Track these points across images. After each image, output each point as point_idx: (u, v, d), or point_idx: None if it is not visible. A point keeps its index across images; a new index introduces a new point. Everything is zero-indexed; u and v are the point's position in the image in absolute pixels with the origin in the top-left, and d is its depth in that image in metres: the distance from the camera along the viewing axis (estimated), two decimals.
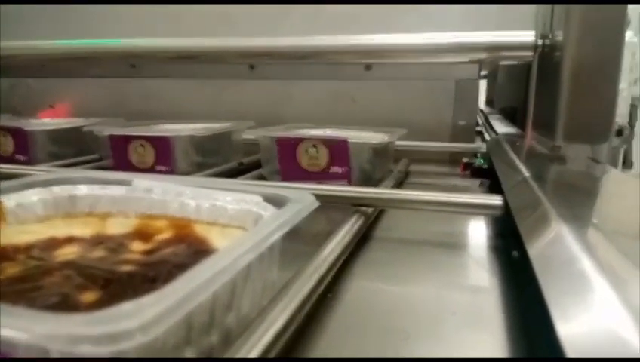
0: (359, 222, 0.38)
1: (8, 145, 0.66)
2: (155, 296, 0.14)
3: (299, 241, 0.36)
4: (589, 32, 0.51)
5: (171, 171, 0.57)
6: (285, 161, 0.54)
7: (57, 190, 0.28)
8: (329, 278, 0.28)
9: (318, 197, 0.26)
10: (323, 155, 0.53)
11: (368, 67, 0.83)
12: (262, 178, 0.57)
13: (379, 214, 0.46)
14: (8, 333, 0.12)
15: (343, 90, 0.85)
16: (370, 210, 0.41)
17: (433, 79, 0.81)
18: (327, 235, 0.33)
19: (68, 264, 0.22)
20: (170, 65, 0.91)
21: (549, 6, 0.59)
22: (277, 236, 0.21)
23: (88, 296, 0.19)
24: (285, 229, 0.22)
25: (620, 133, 1.11)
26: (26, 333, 0.12)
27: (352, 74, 0.84)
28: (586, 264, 0.20)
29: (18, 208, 0.27)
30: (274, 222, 0.22)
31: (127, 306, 0.13)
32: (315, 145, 0.53)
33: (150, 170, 0.57)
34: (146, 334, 0.13)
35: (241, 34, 0.74)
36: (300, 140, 0.53)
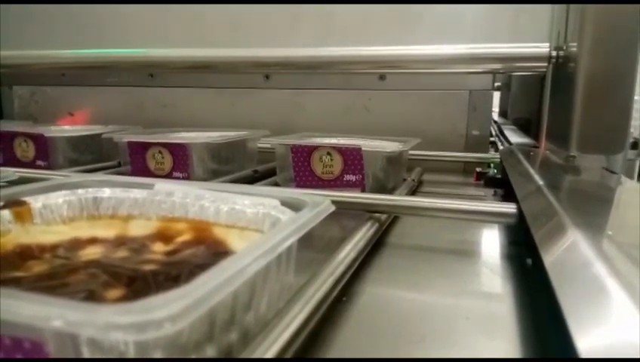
0: (373, 228, 0.38)
1: (29, 150, 0.67)
2: (181, 291, 0.15)
3: (313, 248, 0.37)
4: (604, 44, 0.51)
5: (188, 178, 0.58)
6: (300, 169, 0.55)
7: (82, 192, 0.29)
8: (344, 282, 0.29)
9: (333, 203, 0.27)
10: (337, 163, 0.53)
11: (382, 77, 0.84)
12: (276, 185, 0.57)
13: (392, 221, 0.46)
14: (40, 320, 0.13)
15: (357, 100, 0.86)
16: (384, 216, 0.42)
17: (447, 89, 0.82)
18: (341, 242, 0.33)
19: (93, 263, 0.23)
20: (187, 75, 0.93)
21: (563, 18, 0.59)
22: (295, 238, 0.22)
23: (114, 293, 0.19)
24: (303, 232, 0.23)
25: (635, 145, 1.09)
26: (59, 320, 0.13)
27: (367, 84, 0.85)
28: (602, 271, 0.20)
29: (44, 209, 0.28)
30: (292, 225, 0.22)
31: (155, 299, 0.14)
32: (329, 153, 0.54)
33: (167, 176, 0.58)
34: (174, 324, 0.13)
35: (254, 44, 0.75)
36: (314, 148, 0.54)
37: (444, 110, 0.82)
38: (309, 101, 0.88)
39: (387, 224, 0.43)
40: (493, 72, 0.80)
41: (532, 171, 0.46)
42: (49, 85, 1.04)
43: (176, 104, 0.96)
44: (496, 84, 1.51)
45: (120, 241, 0.26)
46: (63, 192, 0.29)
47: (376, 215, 0.41)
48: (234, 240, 0.26)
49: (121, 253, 0.24)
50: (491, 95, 0.84)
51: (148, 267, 0.22)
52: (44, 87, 1.05)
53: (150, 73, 0.95)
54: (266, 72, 0.88)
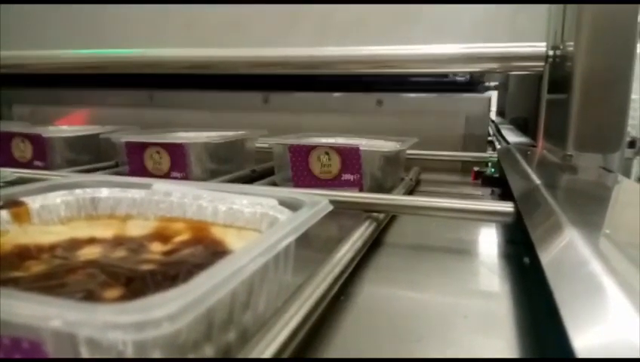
0: (371, 228, 0.38)
1: (27, 151, 0.67)
2: (179, 291, 0.15)
3: (311, 247, 0.37)
4: (600, 43, 0.51)
5: (186, 177, 0.58)
6: (298, 168, 0.55)
7: (80, 192, 0.29)
8: (342, 281, 0.29)
9: (331, 202, 0.27)
10: (335, 163, 0.54)
11: (380, 102, 0.86)
12: (274, 185, 0.57)
13: (390, 220, 0.46)
14: (39, 320, 0.13)
15: (355, 124, 0.86)
16: (381, 216, 0.42)
17: (443, 113, 0.82)
18: (339, 241, 0.33)
19: (91, 263, 0.23)
20: (186, 95, 0.93)
21: (560, 17, 0.59)
22: (292, 238, 0.22)
23: (112, 293, 0.19)
24: (300, 231, 0.23)
25: (632, 144, 1.10)
26: (57, 320, 0.13)
27: (364, 109, 0.86)
28: (599, 270, 0.20)
29: (42, 210, 0.28)
30: (290, 225, 0.22)
31: (153, 298, 0.14)
32: (327, 153, 0.54)
33: (165, 176, 0.58)
34: (172, 324, 0.13)
35: (252, 45, 0.75)
36: (312, 147, 0.54)
37: (440, 136, 0.82)
38: (307, 124, 0.88)
39: (385, 223, 0.44)
40: (491, 72, 0.80)
41: (529, 170, 0.46)
42: (48, 105, 1.04)
43: (174, 125, 0.96)
44: (493, 84, 1.51)
45: (118, 241, 0.26)
46: (61, 192, 0.29)
47: (374, 214, 0.41)
48: (232, 239, 0.26)
49: (120, 253, 0.24)
50: (487, 120, 0.85)
51: (146, 267, 0.22)
52: (43, 106, 1.05)
53: (149, 95, 0.96)
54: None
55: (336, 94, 0.85)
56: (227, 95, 0.91)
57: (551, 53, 0.61)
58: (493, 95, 1.58)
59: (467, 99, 0.82)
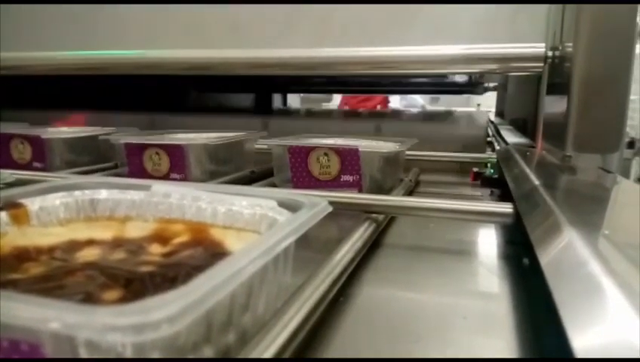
0: (370, 229, 0.38)
1: (26, 152, 0.67)
2: (178, 292, 0.15)
3: (310, 248, 0.37)
4: (599, 43, 0.51)
5: (185, 179, 0.58)
6: (297, 170, 0.55)
7: (79, 194, 0.29)
8: (341, 282, 0.29)
9: (330, 203, 0.27)
10: (334, 164, 0.54)
11: (378, 128, 0.88)
12: (274, 186, 0.57)
13: (390, 221, 0.46)
14: (38, 322, 0.13)
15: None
16: (381, 217, 0.42)
17: (440, 139, 0.83)
18: (339, 243, 0.33)
19: (90, 265, 0.22)
20: (188, 119, 0.95)
21: (559, 18, 0.60)
22: (292, 239, 0.22)
23: (111, 295, 0.19)
24: (300, 233, 0.23)
25: (631, 145, 1.10)
26: (56, 322, 0.13)
27: (363, 132, 0.87)
28: (598, 271, 0.20)
29: (41, 211, 0.27)
30: (289, 226, 0.22)
31: (153, 300, 0.14)
32: (326, 154, 0.54)
33: (164, 177, 0.58)
34: (171, 326, 0.13)
35: (251, 46, 0.75)
36: (311, 149, 0.54)
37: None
38: None
39: (384, 224, 0.44)
40: (490, 72, 0.80)
41: (528, 171, 0.46)
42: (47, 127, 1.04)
43: None
44: (492, 85, 1.51)
45: (117, 243, 0.26)
46: (60, 194, 0.29)
47: (374, 215, 0.41)
48: (231, 241, 0.26)
49: (119, 255, 0.24)
50: (484, 146, 0.86)
51: (145, 268, 0.22)
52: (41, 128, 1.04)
53: (151, 119, 0.97)
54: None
55: (336, 120, 0.86)
56: (228, 118, 0.92)
57: (550, 54, 0.61)
58: (492, 96, 1.59)
59: (464, 127, 0.83)
